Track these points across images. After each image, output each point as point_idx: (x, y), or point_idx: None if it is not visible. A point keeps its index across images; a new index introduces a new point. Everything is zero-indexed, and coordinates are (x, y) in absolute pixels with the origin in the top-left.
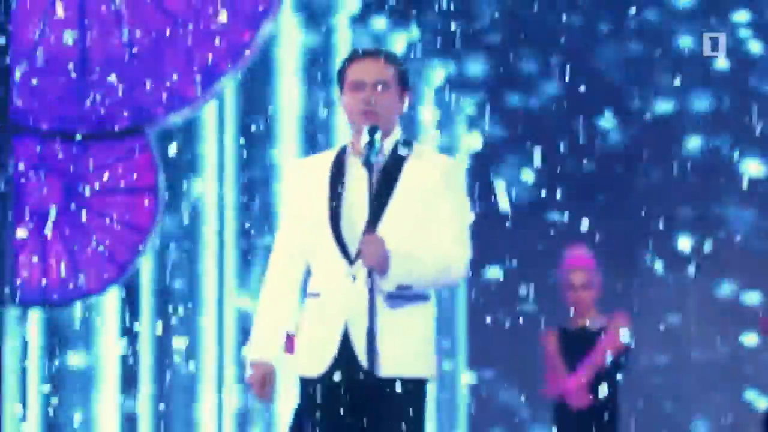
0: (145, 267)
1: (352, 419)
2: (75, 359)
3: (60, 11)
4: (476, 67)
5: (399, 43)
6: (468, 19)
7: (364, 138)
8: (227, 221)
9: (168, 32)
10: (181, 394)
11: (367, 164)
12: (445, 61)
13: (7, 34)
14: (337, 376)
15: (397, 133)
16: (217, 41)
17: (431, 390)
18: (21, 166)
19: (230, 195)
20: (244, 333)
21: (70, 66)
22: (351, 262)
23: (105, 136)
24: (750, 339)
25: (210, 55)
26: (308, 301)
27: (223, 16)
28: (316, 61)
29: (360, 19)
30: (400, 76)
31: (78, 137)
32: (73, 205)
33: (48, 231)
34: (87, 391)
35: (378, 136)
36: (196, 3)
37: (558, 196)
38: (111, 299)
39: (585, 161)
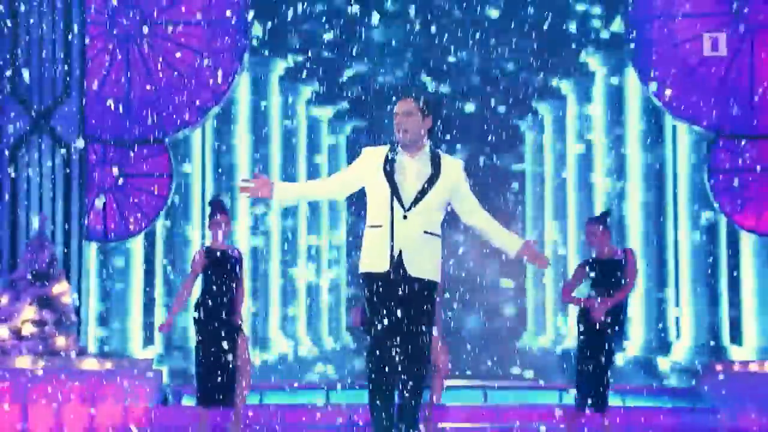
0: (159, 221)
1: (397, 298)
2: (119, 273)
3: (114, 69)
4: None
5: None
6: None
7: (403, 146)
8: (206, 194)
9: (178, 82)
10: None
11: (409, 160)
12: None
13: (84, 82)
14: (390, 274)
15: (427, 143)
16: (207, 88)
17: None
18: (92, 160)
19: (209, 178)
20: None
21: (120, 100)
22: (405, 209)
23: (141, 143)
24: None
25: (203, 96)
26: (371, 230)
27: (210, 73)
28: (259, 102)
29: (286, 77)
30: (421, 108)
31: (125, 143)
32: (121, 183)
33: (107, 198)
34: (126, 286)
35: (407, 146)
36: (194, 63)
37: None
38: (139, 239)
39: None
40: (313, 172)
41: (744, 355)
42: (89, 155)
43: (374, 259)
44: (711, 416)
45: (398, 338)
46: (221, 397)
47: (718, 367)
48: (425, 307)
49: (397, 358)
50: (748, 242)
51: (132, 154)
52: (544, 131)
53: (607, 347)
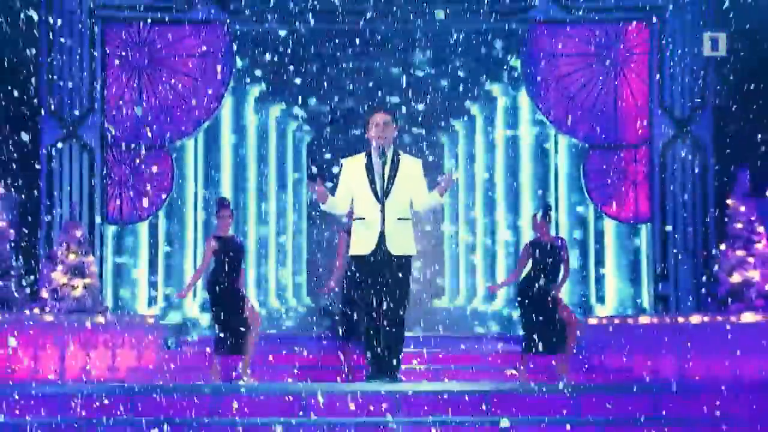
0: (162, 209)
1: (381, 273)
2: (131, 249)
3: (129, 90)
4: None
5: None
6: None
7: (379, 150)
8: (198, 188)
9: (178, 101)
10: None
11: (382, 161)
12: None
13: (103, 101)
14: (374, 254)
15: (392, 147)
16: (201, 106)
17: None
18: (111, 162)
19: (200, 176)
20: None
21: (133, 115)
22: (381, 203)
23: (148, 148)
24: None
25: (197, 112)
26: (357, 221)
27: (203, 94)
28: (239, 118)
29: (260, 99)
30: (394, 119)
31: (137, 149)
32: (133, 179)
33: (122, 189)
34: (135, 259)
35: (383, 149)
36: (190, 87)
37: None
38: (147, 223)
39: None
40: (280, 166)
41: (606, 311)
42: (108, 158)
43: (362, 244)
44: (586, 358)
45: (383, 297)
46: (232, 348)
47: (591, 321)
48: (404, 275)
49: (383, 315)
50: (610, 226)
51: (141, 157)
52: (459, 142)
53: (549, 306)
